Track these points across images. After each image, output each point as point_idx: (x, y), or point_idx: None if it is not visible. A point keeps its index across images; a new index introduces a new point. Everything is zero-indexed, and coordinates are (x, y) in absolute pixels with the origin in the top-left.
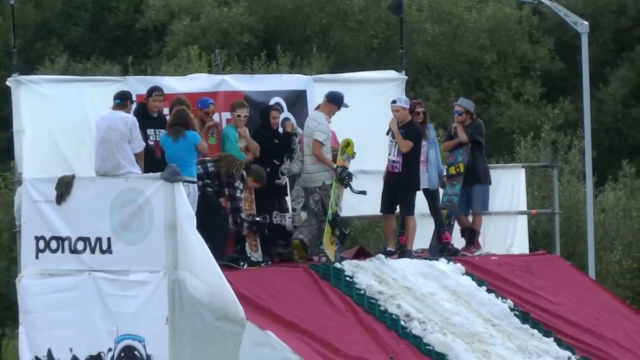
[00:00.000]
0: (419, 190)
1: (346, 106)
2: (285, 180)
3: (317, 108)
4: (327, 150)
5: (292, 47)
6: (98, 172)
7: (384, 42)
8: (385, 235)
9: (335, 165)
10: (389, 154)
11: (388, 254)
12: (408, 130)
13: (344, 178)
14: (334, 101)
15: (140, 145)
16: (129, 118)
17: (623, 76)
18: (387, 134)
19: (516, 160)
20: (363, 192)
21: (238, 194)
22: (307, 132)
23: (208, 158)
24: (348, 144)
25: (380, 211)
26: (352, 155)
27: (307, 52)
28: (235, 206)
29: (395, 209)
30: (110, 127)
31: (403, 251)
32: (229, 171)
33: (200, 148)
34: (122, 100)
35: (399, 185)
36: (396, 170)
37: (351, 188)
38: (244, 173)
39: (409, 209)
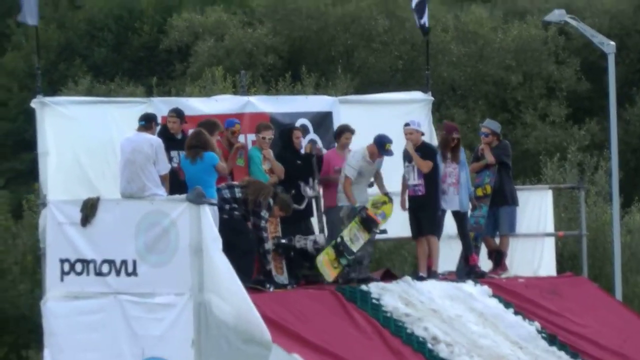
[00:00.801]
0: (439, 209)
1: (389, 154)
2: (304, 203)
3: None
4: (362, 188)
5: (317, 68)
6: (123, 194)
7: (408, 63)
8: (417, 260)
9: (358, 205)
10: (408, 180)
11: (420, 279)
12: (424, 152)
13: (369, 225)
14: (376, 144)
15: (165, 168)
16: (154, 140)
17: None
18: (404, 159)
19: (542, 181)
20: (384, 232)
21: (262, 224)
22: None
23: (236, 183)
24: (385, 202)
25: (412, 238)
26: (386, 215)
27: (331, 73)
28: (259, 236)
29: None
30: (135, 149)
31: (428, 273)
32: (256, 200)
33: (219, 169)
34: (147, 122)
35: (423, 207)
36: (419, 194)
37: (373, 232)
38: (271, 201)
39: (432, 229)
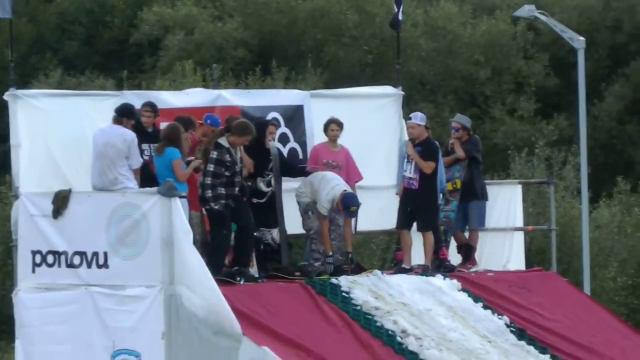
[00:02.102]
0: (437, 206)
1: (351, 215)
2: (265, 197)
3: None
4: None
5: (287, 62)
6: (95, 187)
7: (378, 57)
8: (402, 252)
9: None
10: (405, 171)
11: (404, 272)
12: (425, 149)
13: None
14: (342, 202)
15: (138, 162)
16: (128, 135)
17: (618, 92)
18: (404, 158)
19: (511, 176)
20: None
21: (209, 167)
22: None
23: None
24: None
25: (397, 228)
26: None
27: (301, 67)
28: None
29: (411, 225)
30: (108, 143)
31: (399, 267)
32: (205, 150)
33: (174, 164)
34: (119, 115)
35: (417, 202)
36: (413, 187)
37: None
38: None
39: (427, 225)
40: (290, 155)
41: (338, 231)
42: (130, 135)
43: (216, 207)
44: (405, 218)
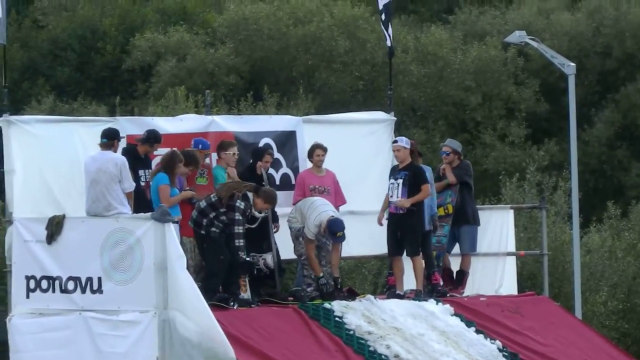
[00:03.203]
0: (424, 230)
1: (339, 240)
2: (256, 222)
3: None
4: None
5: (278, 88)
6: (89, 213)
7: (369, 83)
8: (395, 278)
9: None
10: (391, 196)
11: (398, 297)
12: (413, 173)
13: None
14: (328, 228)
15: (130, 186)
16: (118, 159)
17: (608, 118)
18: (390, 176)
19: (502, 201)
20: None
21: (237, 217)
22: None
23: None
24: None
25: (389, 255)
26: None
27: (293, 93)
28: (229, 231)
29: (403, 251)
30: (100, 169)
31: (392, 293)
32: (232, 195)
33: (160, 189)
34: (108, 139)
35: (404, 227)
36: (400, 212)
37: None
38: (250, 195)
39: (415, 250)
40: (283, 181)
41: (328, 257)
42: (121, 159)
43: (214, 230)
44: (396, 244)
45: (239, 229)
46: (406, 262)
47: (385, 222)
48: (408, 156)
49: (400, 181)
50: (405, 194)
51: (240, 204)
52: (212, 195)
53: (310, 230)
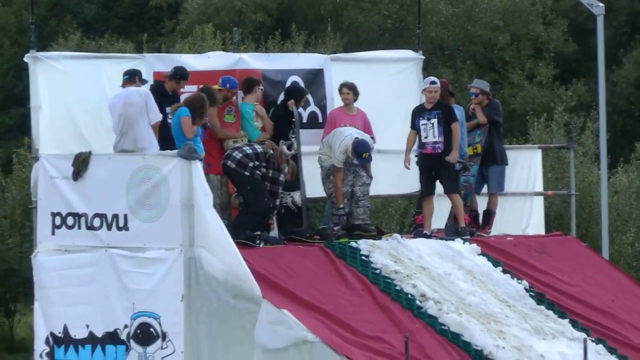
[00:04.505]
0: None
1: (366, 161)
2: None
3: None
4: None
5: (306, 26)
6: (115, 149)
7: (397, 22)
8: (424, 217)
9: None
10: (426, 137)
11: (425, 237)
12: (445, 111)
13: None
14: (354, 150)
15: (157, 116)
16: (142, 90)
17: (636, 59)
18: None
19: (530, 141)
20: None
21: (281, 178)
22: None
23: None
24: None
25: (422, 196)
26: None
27: (321, 32)
28: (275, 190)
29: (434, 190)
30: (126, 102)
31: (419, 232)
32: (279, 157)
33: (182, 121)
34: (130, 76)
35: (441, 164)
36: (439, 151)
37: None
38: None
39: (454, 186)
40: (310, 119)
41: (359, 182)
42: (144, 90)
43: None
44: (430, 184)
45: (279, 189)
46: (435, 201)
47: (413, 164)
48: (437, 96)
49: (434, 120)
50: (442, 134)
51: (285, 167)
52: (256, 146)
53: (338, 159)
